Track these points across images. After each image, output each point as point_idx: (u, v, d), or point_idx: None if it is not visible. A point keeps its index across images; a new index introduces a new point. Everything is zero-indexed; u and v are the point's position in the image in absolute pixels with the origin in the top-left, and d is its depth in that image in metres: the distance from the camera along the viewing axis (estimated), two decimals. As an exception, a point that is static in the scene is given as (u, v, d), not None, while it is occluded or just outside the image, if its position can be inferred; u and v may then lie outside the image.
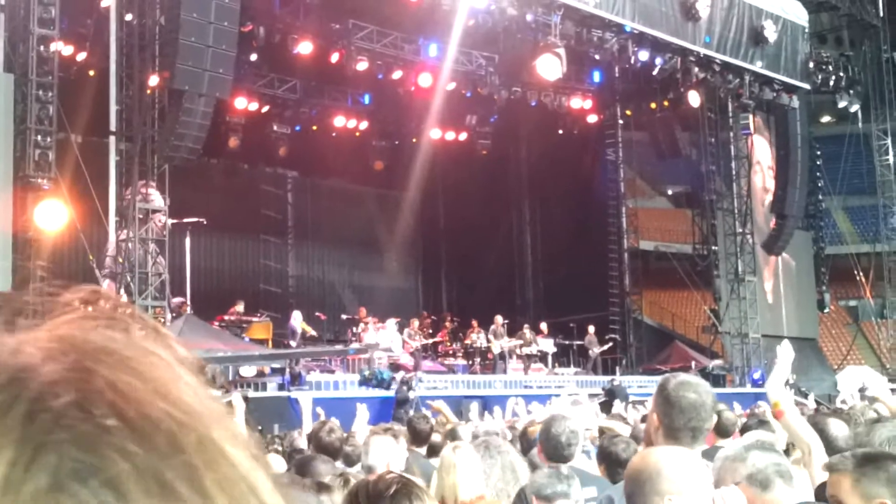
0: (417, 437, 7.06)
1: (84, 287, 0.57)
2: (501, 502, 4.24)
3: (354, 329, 23.84)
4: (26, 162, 16.11)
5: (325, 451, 5.64)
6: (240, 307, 22.25)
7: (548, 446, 4.92)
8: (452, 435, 7.11)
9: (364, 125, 28.41)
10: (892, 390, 21.32)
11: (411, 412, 13.81)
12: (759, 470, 3.08)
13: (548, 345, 24.22)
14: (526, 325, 24.41)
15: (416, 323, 24.20)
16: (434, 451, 6.54)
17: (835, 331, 36.63)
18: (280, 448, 7.70)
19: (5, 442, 0.43)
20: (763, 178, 30.78)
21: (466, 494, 4.15)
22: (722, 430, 6.93)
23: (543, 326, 24.61)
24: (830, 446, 4.24)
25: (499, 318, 23.75)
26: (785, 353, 4.54)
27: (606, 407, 14.55)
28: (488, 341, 23.43)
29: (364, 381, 19.68)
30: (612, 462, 4.99)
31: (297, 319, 22.46)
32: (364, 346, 21.33)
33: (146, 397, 0.45)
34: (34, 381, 0.45)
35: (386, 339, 23.72)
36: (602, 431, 7.06)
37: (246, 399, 15.66)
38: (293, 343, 21.93)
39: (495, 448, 4.91)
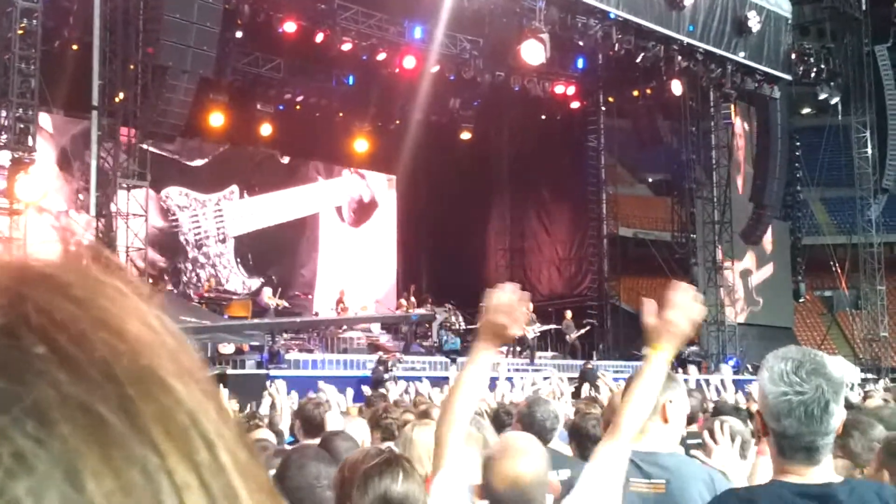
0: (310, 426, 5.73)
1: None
2: None
3: (334, 310, 23.96)
4: (8, 134, 16.08)
5: (309, 425, 5.72)
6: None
7: (531, 431, 4.94)
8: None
9: (347, 106, 28.36)
10: (865, 380, 21.61)
11: (389, 390, 13.91)
12: None
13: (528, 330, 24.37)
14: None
15: (404, 304, 24.42)
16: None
17: (810, 320, 37.02)
18: (261, 425, 7.75)
19: None
20: (742, 167, 31.02)
21: (426, 470, 4.24)
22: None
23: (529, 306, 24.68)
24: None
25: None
26: None
27: (578, 390, 14.70)
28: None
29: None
30: (582, 438, 5.05)
31: (266, 295, 22.63)
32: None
33: (83, 325, 0.43)
34: None
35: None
36: (577, 410, 7.13)
37: (225, 376, 15.78)
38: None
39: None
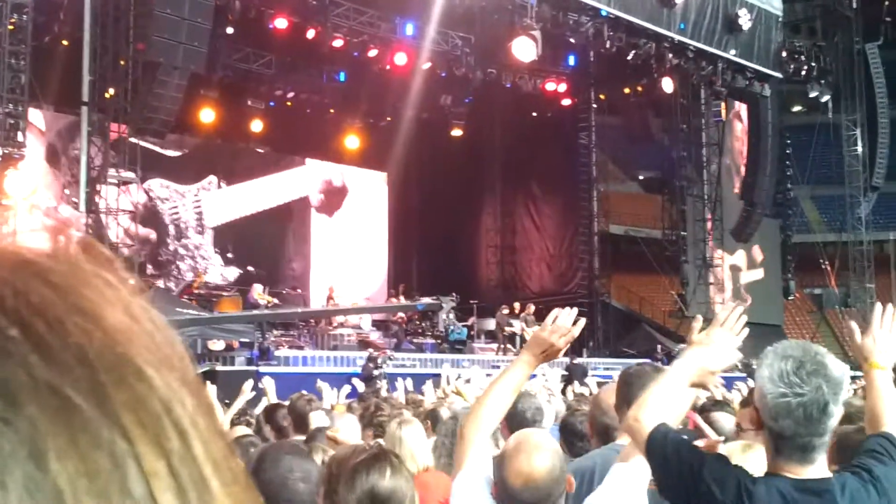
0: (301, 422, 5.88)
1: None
2: (445, 473, 4.38)
3: (325, 306, 23.94)
4: (-3, 130, 16.05)
5: (299, 420, 5.73)
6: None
7: (513, 422, 4.96)
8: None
9: (338, 103, 28.33)
10: (854, 378, 21.73)
11: (381, 387, 13.91)
12: None
13: (516, 326, 24.32)
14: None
15: (394, 301, 24.45)
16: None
17: (799, 318, 37.08)
18: (251, 421, 7.72)
19: None
20: (734, 165, 31.10)
21: (414, 466, 4.27)
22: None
23: (531, 308, 24.49)
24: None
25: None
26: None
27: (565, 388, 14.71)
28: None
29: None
30: (569, 435, 5.07)
31: (256, 291, 22.57)
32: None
33: (59, 310, 0.43)
34: None
35: (355, 316, 23.85)
36: (568, 406, 7.12)
37: (214, 372, 15.76)
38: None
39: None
